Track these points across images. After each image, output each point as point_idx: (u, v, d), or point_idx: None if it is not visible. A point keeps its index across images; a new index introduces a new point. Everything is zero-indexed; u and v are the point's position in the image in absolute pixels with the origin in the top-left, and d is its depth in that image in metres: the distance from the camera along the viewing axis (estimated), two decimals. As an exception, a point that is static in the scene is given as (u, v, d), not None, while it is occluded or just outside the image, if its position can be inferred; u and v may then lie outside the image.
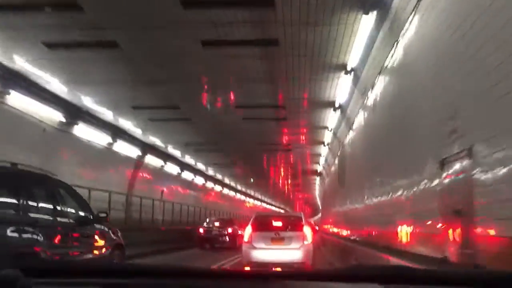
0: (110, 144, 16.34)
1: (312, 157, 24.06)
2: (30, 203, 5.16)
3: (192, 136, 18.21)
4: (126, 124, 16.01)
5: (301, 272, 1.42)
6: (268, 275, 1.34)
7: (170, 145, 20.57)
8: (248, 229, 9.28)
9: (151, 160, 20.18)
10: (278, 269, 1.75)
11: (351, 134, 13.12)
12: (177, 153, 22.19)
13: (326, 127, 16.31)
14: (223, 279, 1.32)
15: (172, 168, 23.34)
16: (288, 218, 10.58)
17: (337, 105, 12.84)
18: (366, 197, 10.24)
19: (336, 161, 17.44)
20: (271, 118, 15.15)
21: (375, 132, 9.42)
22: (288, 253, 8.69)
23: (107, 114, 14.60)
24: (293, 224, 9.47)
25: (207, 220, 19.74)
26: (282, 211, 59.20)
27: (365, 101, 10.12)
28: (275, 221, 9.78)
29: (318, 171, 28.04)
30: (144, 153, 19.02)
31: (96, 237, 6.43)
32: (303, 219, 9.74)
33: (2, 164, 5.06)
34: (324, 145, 20.10)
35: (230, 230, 17.21)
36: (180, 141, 19.49)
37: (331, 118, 14.56)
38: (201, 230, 17.53)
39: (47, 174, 5.89)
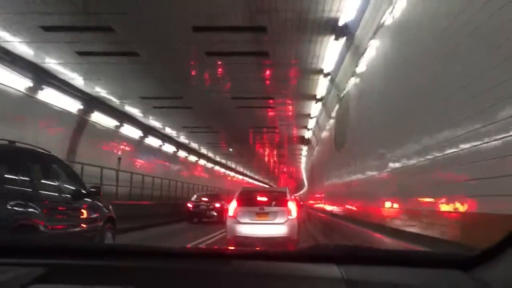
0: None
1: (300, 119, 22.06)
2: (28, 178, 5.43)
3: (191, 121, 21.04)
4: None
5: (261, 253, 1.48)
6: (229, 255, 1.39)
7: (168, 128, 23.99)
8: (233, 204, 9.47)
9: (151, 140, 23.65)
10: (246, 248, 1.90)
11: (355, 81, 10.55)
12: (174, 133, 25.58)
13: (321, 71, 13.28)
14: (182, 258, 1.33)
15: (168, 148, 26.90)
16: (273, 193, 10.77)
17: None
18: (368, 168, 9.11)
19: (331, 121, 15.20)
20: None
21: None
22: (272, 227, 8.92)
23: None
24: (278, 199, 9.66)
25: (196, 195, 20.46)
26: (266, 186, 60.01)
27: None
28: (260, 196, 9.98)
29: (306, 138, 26.23)
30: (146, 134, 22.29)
31: (89, 210, 6.70)
32: (288, 194, 10.00)
33: (1, 142, 5.44)
34: (316, 101, 16.75)
35: (217, 205, 17.94)
36: (180, 124, 22.54)
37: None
38: (189, 205, 18.24)
39: (43, 151, 6.16)
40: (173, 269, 1.19)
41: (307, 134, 23.92)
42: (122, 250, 1.44)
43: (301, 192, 52.91)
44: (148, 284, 1.02)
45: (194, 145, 30.69)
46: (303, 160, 37.63)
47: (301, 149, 30.98)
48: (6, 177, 5.13)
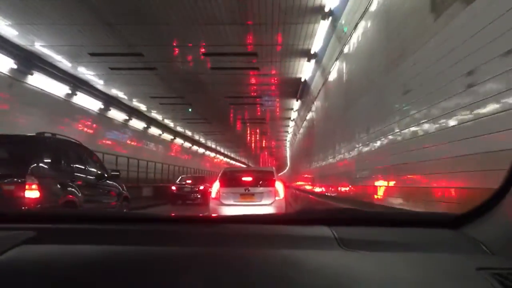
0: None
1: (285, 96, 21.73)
2: (67, 163, 6.68)
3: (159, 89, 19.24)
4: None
5: (251, 217, 1.47)
6: (219, 220, 1.43)
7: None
8: (216, 185, 9.23)
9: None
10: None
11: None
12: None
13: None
14: (171, 223, 1.39)
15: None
16: (258, 173, 10.42)
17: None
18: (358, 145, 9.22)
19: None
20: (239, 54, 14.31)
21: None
22: (258, 209, 8.59)
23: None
24: (264, 179, 9.42)
25: (180, 177, 20.79)
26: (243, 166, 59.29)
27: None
28: (244, 176, 9.70)
29: (291, 118, 27.32)
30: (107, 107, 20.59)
31: (111, 190, 8.01)
32: (275, 174, 9.77)
33: (47, 135, 6.61)
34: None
35: (201, 187, 18.18)
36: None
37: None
38: (173, 188, 18.62)
39: (75, 141, 7.45)
40: (159, 232, 1.23)
41: (296, 105, 23.18)
42: (109, 216, 1.50)
43: (284, 172, 52.62)
44: (134, 243, 1.06)
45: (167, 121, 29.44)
46: (288, 138, 37.61)
47: (286, 125, 30.72)
48: (53, 163, 6.32)
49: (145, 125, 26.70)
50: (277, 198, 8.94)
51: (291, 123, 29.10)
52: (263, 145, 47.27)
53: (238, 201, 8.86)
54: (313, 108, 17.83)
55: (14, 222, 1.26)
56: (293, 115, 26.09)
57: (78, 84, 17.13)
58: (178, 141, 34.86)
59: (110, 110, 21.15)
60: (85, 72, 16.52)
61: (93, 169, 7.47)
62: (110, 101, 20.55)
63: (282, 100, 22.65)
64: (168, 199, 18.26)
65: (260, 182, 9.32)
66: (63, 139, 7.10)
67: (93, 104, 19.51)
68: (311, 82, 16.73)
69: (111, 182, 7.99)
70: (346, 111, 10.38)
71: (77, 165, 6.99)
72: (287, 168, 52.79)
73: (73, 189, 6.41)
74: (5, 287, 0.85)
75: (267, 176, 9.60)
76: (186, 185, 18.61)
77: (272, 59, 14.67)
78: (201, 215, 1.62)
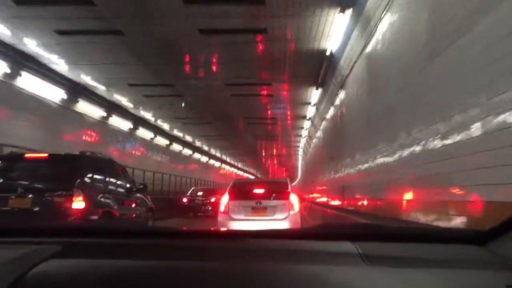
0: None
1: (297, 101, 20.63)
2: (105, 178, 7.63)
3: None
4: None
5: (272, 231, 1.46)
6: (237, 234, 1.43)
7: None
8: (225, 198, 8.74)
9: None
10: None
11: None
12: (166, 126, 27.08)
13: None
14: (192, 238, 1.40)
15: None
16: (271, 184, 9.81)
17: None
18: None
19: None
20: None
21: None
22: (271, 224, 8.03)
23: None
24: (277, 192, 8.83)
25: (191, 189, 21.15)
26: (251, 176, 57.71)
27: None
28: (256, 188, 9.06)
29: (307, 117, 23.74)
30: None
31: (139, 202, 8.85)
32: (289, 186, 9.19)
33: (88, 153, 7.56)
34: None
35: (213, 199, 18.01)
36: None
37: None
38: (184, 200, 18.85)
39: (110, 158, 8.50)
40: (181, 247, 1.24)
41: (314, 97, 19.73)
42: (133, 230, 1.54)
43: (294, 183, 50.98)
44: (158, 257, 1.08)
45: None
46: (301, 144, 35.79)
47: (300, 127, 27.82)
48: (94, 178, 7.21)
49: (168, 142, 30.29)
50: (291, 212, 8.42)
51: (307, 124, 25.51)
52: (273, 154, 45.30)
53: (249, 215, 8.37)
54: (341, 97, 14.46)
55: (42, 236, 1.29)
56: (310, 111, 22.08)
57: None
58: (187, 151, 35.47)
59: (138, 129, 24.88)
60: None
61: (124, 183, 8.41)
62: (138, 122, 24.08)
63: (295, 89, 18.44)
64: (179, 212, 18.18)
65: (273, 195, 8.71)
66: (100, 156, 8.08)
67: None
68: (340, 54, 12.62)
69: (139, 195, 8.94)
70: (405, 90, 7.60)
71: (112, 180, 7.93)
72: (298, 179, 51.59)
73: (110, 201, 7.34)
74: None
75: (280, 188, 9.03)
76: (197, 198, 18.76)
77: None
78: (222, 229, 1.81)
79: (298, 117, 24.37)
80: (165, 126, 27.28)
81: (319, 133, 22.67)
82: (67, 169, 6.88)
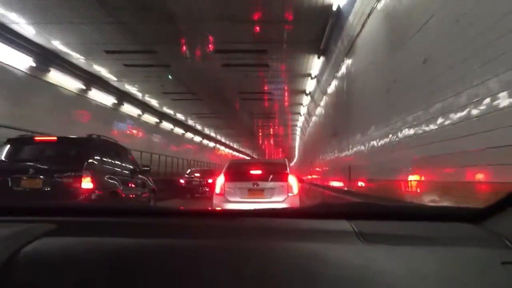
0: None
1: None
2: (111, 160, 8.00)
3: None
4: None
5: (269, 210, 1.51)
6: (236, 213, 1.42)
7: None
8: (220, 179, 8.49)
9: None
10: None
11: None
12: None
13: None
14: (191, 217, 1.40)
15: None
16: (269, 165, 9.48)
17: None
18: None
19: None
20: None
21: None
22: (269, 207, 6.37)
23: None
24: (275, 173, 8.57)
25: (188, 170, 21.36)
26: (247, 158, 56.37)
27: None
28: (253, 169, 8.76)
29: (307, 91, 21.69)
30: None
31: (142, 183, 9.28)
32: (288, 167, 8.94)
33: (94, 136, 7.78)
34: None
35: (210, 180, 17.67)
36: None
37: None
38: (182, 181, 18.97)
39: (115, 141, 8.75)
40: (178, 226, 1.24)
41: (315, 68, 17.53)
42: (127, 209, 1.54)
43: (291, 164, 49.53)
44: (153, 236, 1.07)
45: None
46: (299, 122, 34.09)
47: (299, 103, 25.49)
48: (101, 159, 7.52)
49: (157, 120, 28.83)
50: (290, 194, 8.17)
51: (306, 99, 23.29)
52: (269, 133, 43.38)
53: (245, 197, 8.12)
54: (348, 63, 12.35)
55: (36, 215, 1.29)
56: (310, 85, 19.87)
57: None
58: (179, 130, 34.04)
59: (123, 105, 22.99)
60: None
61: (128, 165, 8.76)
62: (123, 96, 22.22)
63: (293, 58, 16.27)
64: (177, 193, 18.17)
65: (271, 176, 8.44)
66: (106, 139, 8.27)
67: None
68: (349, 9, 10.82)
69: (142, 176, 9.25)
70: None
71: (117, 161, 8.22)
72: (295, 159, 50.48)
73: (116, 182, 7.71)
74: (28, 277, 0.89)
75: (278, 169, 8.76)
76: (195, 179, 18.81)
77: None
78: (220, 209, 1.71)
79: (296, 91, 22.08)
80: (153, 102, 25.46)
81: (319, 110, 20.63)
82: (75, 152, 7.35)
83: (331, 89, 16.20)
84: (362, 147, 10.45)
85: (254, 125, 35.95)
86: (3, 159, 7.08)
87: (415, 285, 0.88)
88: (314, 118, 23.89)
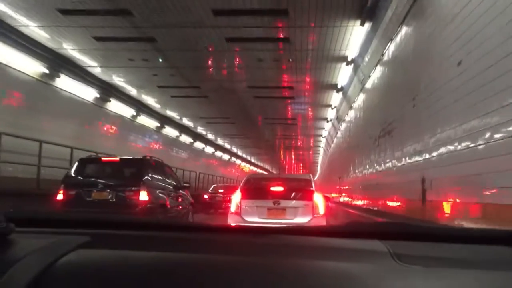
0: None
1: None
2: (160, 177, 9.27)
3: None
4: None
5: (297, 228, 1.50)
6: (265, 230, 1.41)
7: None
8: (236, 196, 7.68)
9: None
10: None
11: None
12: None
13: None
14: (218, 233, 1.40)
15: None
16: (291, 181, 8.69)
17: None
18: None
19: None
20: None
21: None
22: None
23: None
24: (299, 190, 7.64)
25: (213, 186, 21.86)
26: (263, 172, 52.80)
27: None
28: (273, 185, 7.81)
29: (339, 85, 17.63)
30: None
31: (184, 197, 10.58)
32: (313, 183, 7.97)
33: (148, 157, 9.28)
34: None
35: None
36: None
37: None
38: (206, 196, 18.89)
39: (161, 160, 9.94)
40: (210, 241, 1.24)
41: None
42: (156, 224, 1.55)
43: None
44: (185, 251, 1.08)
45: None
46: (324, 132, 29.37)
47: (326, 104, 21.10)
48: (153, 177, 8.83)
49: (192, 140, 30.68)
50: (316, 215, 7.17)
51: (336, 99, 18.98)
52: (290, 145, 38.51)
53: (264, 217, 7.22)
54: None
55: (70, 227, 1.30)
56: (342, 78, 15.71)
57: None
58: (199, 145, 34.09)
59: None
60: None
61: (173, 181, 10.07)
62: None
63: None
64: (201, 208, 17.55)
65: (294, 194, 7.54)
66: (156, 159, 9.60)
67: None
68: None
69: (182, 191, 10.52)
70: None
71: (164, 178, 9.56)
72: (317, 174, 46.28)
73: (164, 196, 9.00)
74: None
75: (303, 186, 7.87)
76: (218, 194, 18.81)
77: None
78: (252, 225, 1.65)
79: (324, 87, 17.58)
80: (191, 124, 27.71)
81: (351, 113, 16.35)
82: (133, 170, 8.79)
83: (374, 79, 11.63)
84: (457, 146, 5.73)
85: (272, 134, 31.71)
86: (76, 175, 8.51)
87: None
88: (343, 126, 19.41)
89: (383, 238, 1.17)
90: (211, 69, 15.90)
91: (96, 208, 7.52)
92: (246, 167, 52.27)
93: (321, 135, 30.76)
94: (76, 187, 8.20)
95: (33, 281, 0.88)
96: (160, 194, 8.77)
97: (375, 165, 11.71)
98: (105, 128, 19.16)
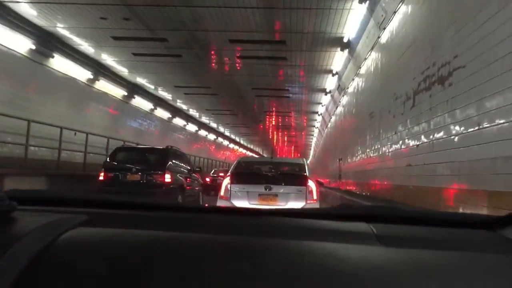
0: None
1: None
2: (179, 163, 11.21)
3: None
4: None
5: (287, 210, 1.56)
6: (255, 212, 1.43)
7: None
8: (226, 180, 7.20)
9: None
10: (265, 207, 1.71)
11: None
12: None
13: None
14: (210, 213, 1.45)
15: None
16: (284, 166, 8.62)
17: None
18: None
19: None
20: None
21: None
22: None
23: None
24: (291, 175, 7.44)
25: (213, 170, 23.53)
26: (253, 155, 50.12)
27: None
28: (265, 170, 7.89)
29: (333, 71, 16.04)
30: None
31: (196, 179, 12.48)
32: (306, 168, 7.52)
33: (170, 147, 11.33)
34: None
35: None
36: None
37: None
38: (207, 179, 19.13)
39: (178, 148, 12.02)
40: (200, 221, 1.28)
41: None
42: (155, 204, 1.59)
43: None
44: (182, 230, 1.10)
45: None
46: (318, 117, 26.64)
47: (320, 88, 19.05)
48: (174, 162, 10.72)
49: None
50: (309, 201, 6.79)
51: (331, 80, 16.86)
52: (281, 126, 34.70)
53: (255, 203, 6.81)
54: None
55: (67, 206, 1.31)
56: (337, 62, 14.22)
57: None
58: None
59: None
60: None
61: (188, 166, 12.00)
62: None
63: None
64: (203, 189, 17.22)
65: (286, 179, 7.16)
66: (175, 148, 11.60)
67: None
68: None
69: (195, 175, 12.41)
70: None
71: (182, 164, 11.43)
72: (309, 158, 43.11)
73: (182, 178, 10.77)
74: (64, 264, 0.91)
75: (295, 171, 7.59)
76: (219, 177, 18.57)
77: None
78: (244, 207, 1.65)
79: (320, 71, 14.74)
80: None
81: (350, 89, 13.18)
82: (159, 157, 10.54)
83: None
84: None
85: (262, 108, 27.84)
86: (112, 160, 10.44)
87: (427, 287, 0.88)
88: (339, 109, 17.00)
89: (369, 221, 1.21)
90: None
91: (130, 187, 9.45)
92: (236, 149, 48.98)
93: (316, 119, 27.09)
94: (114, 171, 10.00)
95: (36, 257, 0.90)
96: (179, 177, 10.58)
97: (408, 136, 7.81)
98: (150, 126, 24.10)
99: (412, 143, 7.33)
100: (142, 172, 9.90)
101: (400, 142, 8.06)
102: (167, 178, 9.81)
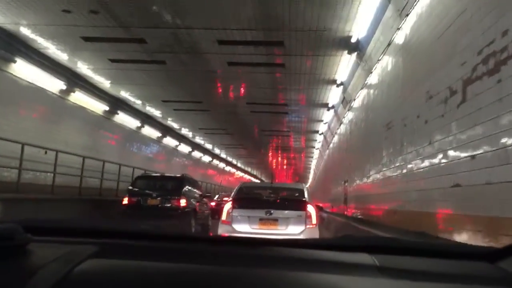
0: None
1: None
2: (192, 189, 12.74)
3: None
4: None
5: (289, 240, 1.49)
6: (255, 242, 1.43)
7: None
8: (228, 205, 7.21)
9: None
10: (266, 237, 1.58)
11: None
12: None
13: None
14: (215, 243, 1.44)
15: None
16: (284, 191, 8.76)
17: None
18: None
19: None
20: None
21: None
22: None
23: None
24: (291, 200, 7.51)
25: (218, 194, 24.08)
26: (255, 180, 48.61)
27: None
28: (266, 195, 7.93)
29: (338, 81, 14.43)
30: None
31: (205, 204, 14.00)
32: (306, 193, 7.56)
33: (185, 174, 13.17)
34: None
35: None
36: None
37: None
38: (212, 204, 18.83)
39: (190, 176, 13.87)
40: (205, 252, 1.26)
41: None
42: (167, 234, 1.56)
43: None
44: (192, 262, 1.10)
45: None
46: (318, 137, 25.01)
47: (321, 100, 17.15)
48: (188, 188, 12.31)
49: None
50: (308, 226, 6.76)
51: (335, 92, 15.38)
52: (280, 147, 32.58)
53: (255, 227, 6.78)
54: None
55: (77, 236, 1.31)
56: (343, 69, 12.85)
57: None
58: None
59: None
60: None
61: (199, 191, 13.55)
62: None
63: None
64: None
65: (286, 204, 7.25)
66: (189, 176, 13.44)
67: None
68: None
69: (205, 200, 14.01)
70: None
71: (194, 190, 12.94)
72: (309, 181, 41.35)
73: (194, 202, 12.24)
74: None
75: (296, 196, 7.65)
76: (223, 202, 15.97)
77: None
78: (248, 237, 1.59)
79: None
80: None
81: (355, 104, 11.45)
82: (175, 184, 12.06)
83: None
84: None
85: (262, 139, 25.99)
86: (134, 187, 12.00)
87: None
88: (342, 128, 15.56)
89: (372, 252, 1.20)
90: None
91: (150, 211, 10.92)
92: (233, 172, 47.09)
93: (316, 139, 25.09)
94: (136, 196, 11.52)
95: None
96: (192, 202, 12.14)
97: (454, 145, 5.63)
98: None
99: (462, 154, 5.17)
100: (161, 197, 11.51)
101: (440, 155, 5.90)
102: (183, 202, 11.39)
